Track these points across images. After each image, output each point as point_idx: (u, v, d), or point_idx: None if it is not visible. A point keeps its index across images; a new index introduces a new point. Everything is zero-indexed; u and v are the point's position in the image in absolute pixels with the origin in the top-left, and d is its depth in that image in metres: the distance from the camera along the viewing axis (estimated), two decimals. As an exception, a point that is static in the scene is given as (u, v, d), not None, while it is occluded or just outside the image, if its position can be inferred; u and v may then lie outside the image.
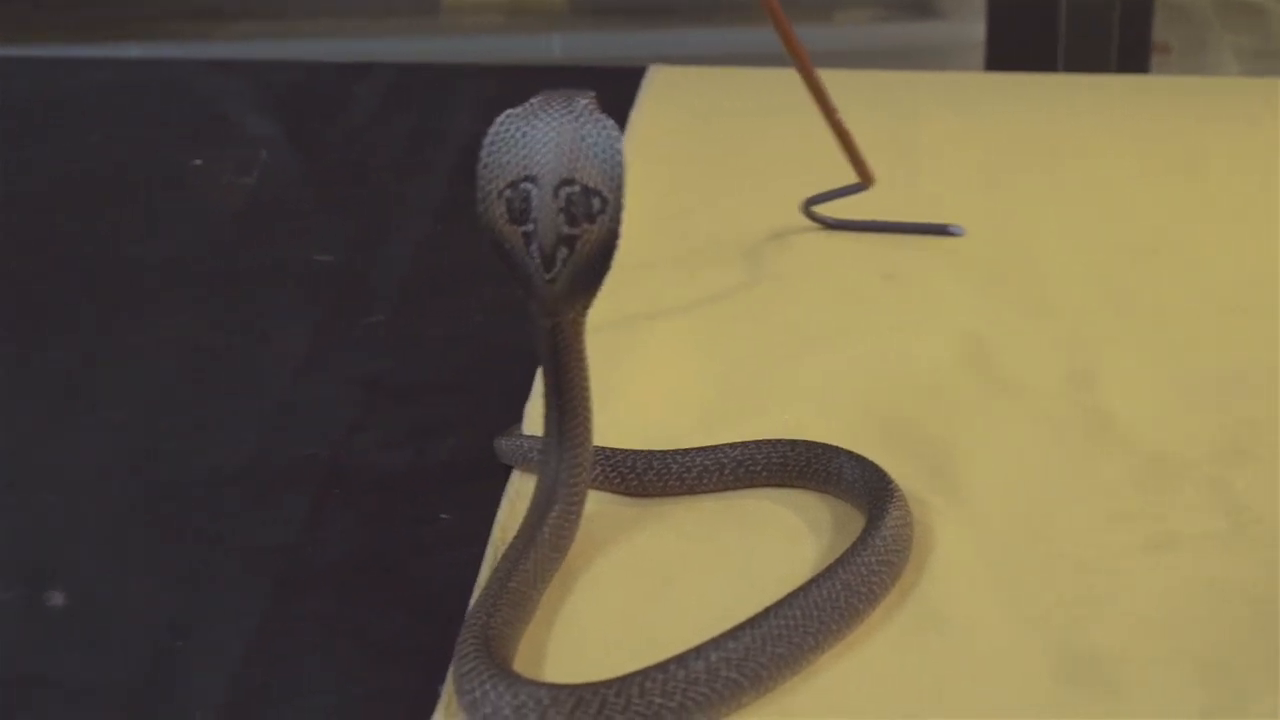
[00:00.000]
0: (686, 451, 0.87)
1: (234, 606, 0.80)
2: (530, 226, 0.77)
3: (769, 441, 0.87)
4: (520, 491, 0.87)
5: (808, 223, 1.13)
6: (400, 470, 0.90)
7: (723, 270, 1.07)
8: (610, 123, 0.77)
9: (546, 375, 0.79)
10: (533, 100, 0.78)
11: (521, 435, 0.90)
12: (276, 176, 1.22)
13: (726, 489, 0.87)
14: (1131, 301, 1.04)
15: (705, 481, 0.87)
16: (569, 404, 0.79)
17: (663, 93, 1.31)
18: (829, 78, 1.37)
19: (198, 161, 1.25)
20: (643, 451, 0.86)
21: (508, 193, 0.77)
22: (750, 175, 1.20)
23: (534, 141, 0.77)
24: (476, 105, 1.33)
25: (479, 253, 1.11)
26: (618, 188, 0.76)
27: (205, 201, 1.20)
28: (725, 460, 0.87)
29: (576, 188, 0.76)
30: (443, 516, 0.86)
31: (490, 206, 0.78)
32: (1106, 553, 0.82)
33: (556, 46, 1.70)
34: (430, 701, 0.73)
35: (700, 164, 1.21)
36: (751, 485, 0.87)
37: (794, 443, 0.87)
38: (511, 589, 0.76)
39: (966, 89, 1.37)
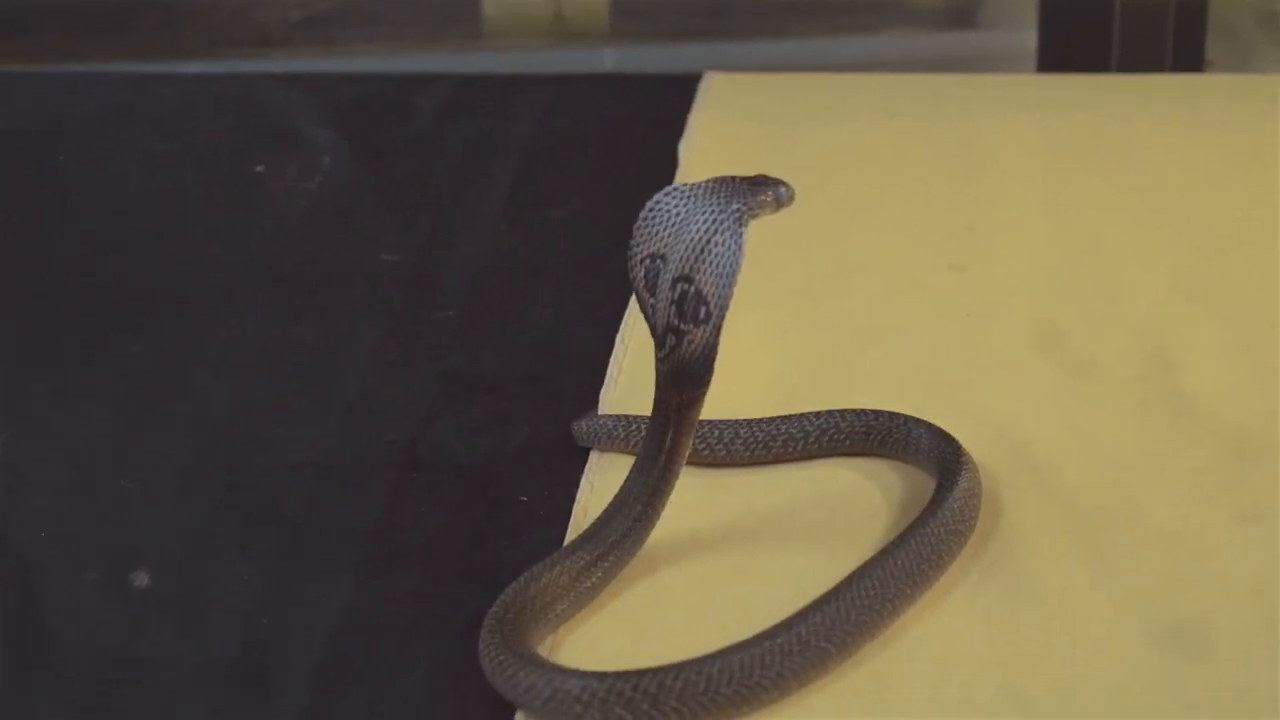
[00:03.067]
0: (772, 420, 0.88)
1: (322, 586, 0.80)
2: (654, 301, 0.77)
3: (851, 411, 0.88)
4: (598, 469, 0.88)
5: (870, 220, 1.13)
6: (479, 457, 0.90)
7: (792, 264, 1.08)
8: (743, 239, 0.76)
9: (647, 436, 0.79)
10: (707, 181, 0.77)
11: (598, 416, 0.91)
12: (339, 182, 1.23)
13: (810, 457, 0.88)
14: (1203, 288, 1.03)
15: (790, 450, 0.88)
16: (647, 477, 0.78)
17: (719, 98, 1.32)
18: (885, 82, 1.39)
19: (260, 168, 1.25)
20: (729, 421, 0.87)
21: (646, 262, 0.77)
22: (809, 174, 1.20)
23: (678, 224, 0.77)
24: (534, 114, 1.33)
25: (544, 253, 1.13)
26: (723, 304, 0.76)
27: (269, 206, 1.21)
28: (810, 429, 0.88)
29: (691, 287, 0.76)
30: (522, 499, 0.86)
31: (634, 267, 0.78)
32: (1193, 525, 0.82)
33: (608, 60, 1.71)
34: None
35: (760, 165, 1.21)
36: (833, 454, 0.88)
37: (876, 412, 0.88)
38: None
39: (1024, 90, 1.37)
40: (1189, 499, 0.84)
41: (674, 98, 1.33)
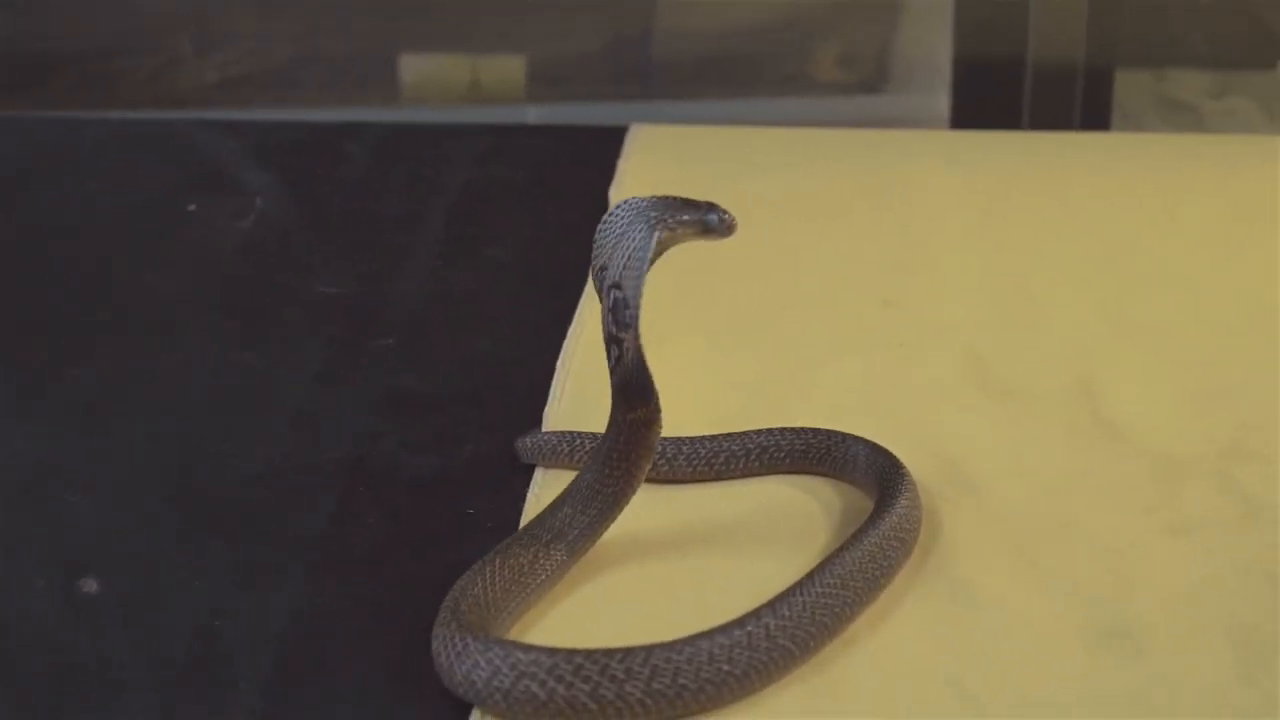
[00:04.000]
0: (714, 437, 0.90)
1: (271, 591, 0.81)
2: (602, 311, 0.80)
3: (790, 429, 0.91)
4: (544, 484, 0.89)
5: (801, 259, 1.16)
6: (425, 472, 0.91)
7: (727, 295, 1.10)
8: (650, 242, 0.78)
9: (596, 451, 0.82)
10: (652, 196, 0.80)
11: (542, 433, 0.92)
12: (273, 222, 1.24)
13: (750, 475, 0.90)
14: (1124, 324, 1.07)
15: (732, 467, 0.90)
16: (595, 488, 0.81)
17: (647, 147, 1.34)
18: (811, 136, 1.42)
19: (192, 207, 1.26)
20: (672, 438, 0.89)
21: (598, 273, 0.80)
22: (739, 215, 1.23)
23: (618, 235, 0.80)
24: (466, 160, 1.35)
25: (482, 288, 1.15)
26: (636, 305, 0.78)
27: (204, 243, 1.21)
28: (751, 446, 0.90)
29: (621, 293, 0.79)
30: (469, 511, 0.88)
31: (594, 279, 0.81)
32: (1124, 537, 0.85)
33: (531, 117, 1.73)
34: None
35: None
36: (773, 471, 0.90)
37: (814, 430, 0.90)
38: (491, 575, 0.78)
39: (943, 143, 1.41)
40: (1118, 514, 0.87)
41: (603, 147, 1.35)
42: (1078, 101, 1.52)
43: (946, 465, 0.90)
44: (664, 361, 0.98)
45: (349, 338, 1.07)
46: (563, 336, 1.04)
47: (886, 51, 2.06)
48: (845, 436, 0.90)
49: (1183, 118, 1.69)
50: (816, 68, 2.12)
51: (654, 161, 1.31)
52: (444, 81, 2.01)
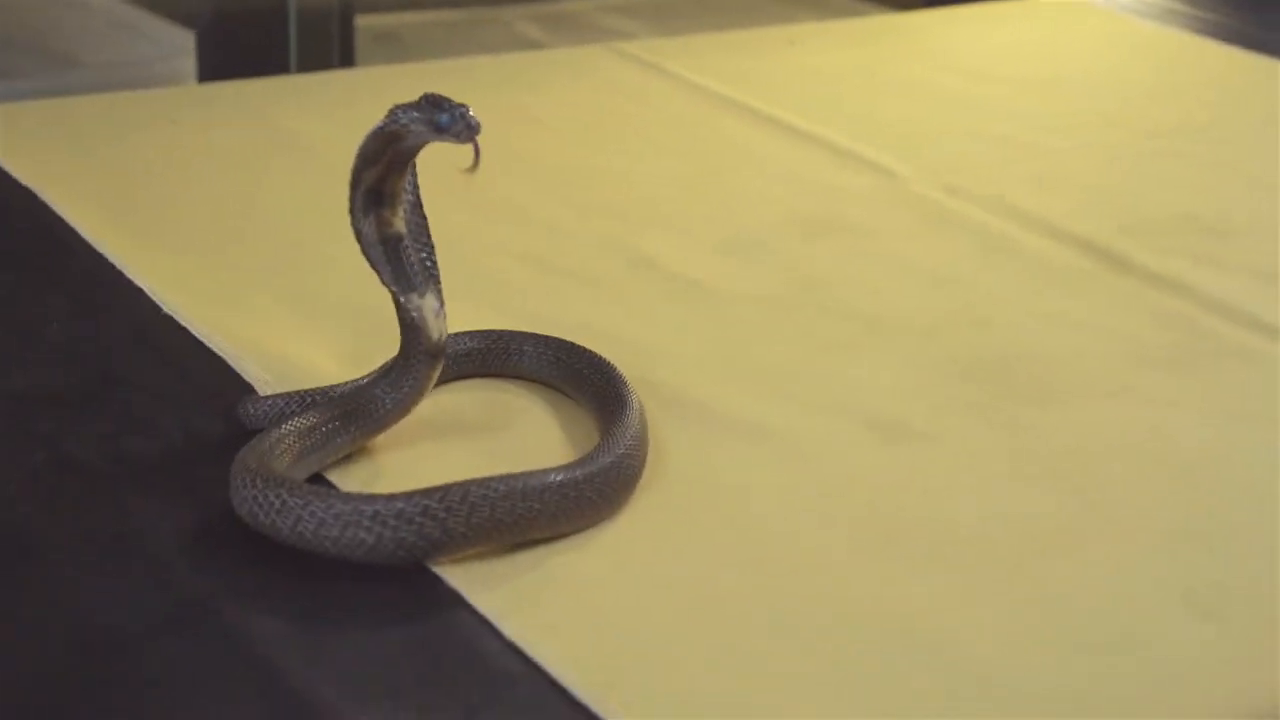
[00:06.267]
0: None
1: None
2: None
3: (465, 333, 0.93)
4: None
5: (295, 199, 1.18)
6: (166, 451, 0.86)
7: (252, 247, 1.11)
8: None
9: None
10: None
11: (267, 397, 0.89)
12: None
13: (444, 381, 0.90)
14: (625, 206, 1.20)
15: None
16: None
17: (23, 131, 1.26)
18: (149, 98, 1.39)
19: None
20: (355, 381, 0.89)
21: None
22: (174, 179, 1.22)
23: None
24: None
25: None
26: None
27: None
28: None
29: None
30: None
31: None
32: (811, 369, 0.97)
33: None
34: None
35: (136, 177, 1.22)
36: (461, 376, 0.93)
37: (484, 333, 0.93)
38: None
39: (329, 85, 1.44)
40: (787, 344, 1.00)
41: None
42: (335, 43, 1.59)
43: (610, 342, 0.94)
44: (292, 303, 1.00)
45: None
46: (112, 309, 1.01)
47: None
48: (514, 335, 0.93)
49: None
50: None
51: (26, 141, 1.24)
52: None
